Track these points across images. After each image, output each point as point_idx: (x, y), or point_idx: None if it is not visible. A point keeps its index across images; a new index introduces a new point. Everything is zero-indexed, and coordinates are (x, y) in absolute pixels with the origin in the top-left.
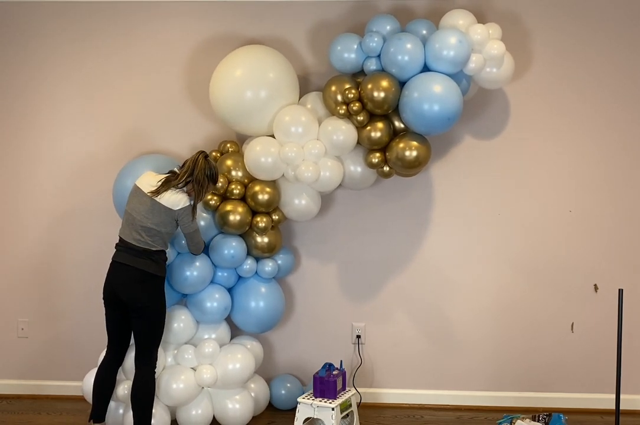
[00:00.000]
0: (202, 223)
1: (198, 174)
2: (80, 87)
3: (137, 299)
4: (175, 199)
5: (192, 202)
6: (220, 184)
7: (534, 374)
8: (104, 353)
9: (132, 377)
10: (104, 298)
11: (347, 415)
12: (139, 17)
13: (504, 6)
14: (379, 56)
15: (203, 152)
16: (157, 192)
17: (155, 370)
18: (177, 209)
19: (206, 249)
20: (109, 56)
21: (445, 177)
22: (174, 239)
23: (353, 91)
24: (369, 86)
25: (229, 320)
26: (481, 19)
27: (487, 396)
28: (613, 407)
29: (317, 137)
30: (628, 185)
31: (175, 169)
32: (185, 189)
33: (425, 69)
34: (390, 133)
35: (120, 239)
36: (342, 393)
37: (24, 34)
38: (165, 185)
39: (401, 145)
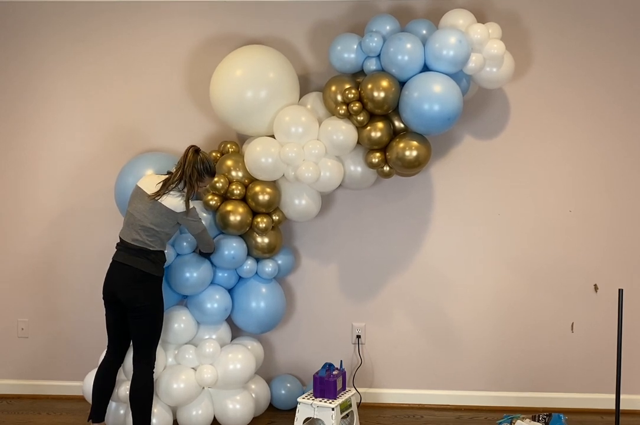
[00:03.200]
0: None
1: (187, 169)
2: (80, 86)
3: (134, 298)
4: (177, 202)
5: (192, 206)
6: (220, 184)
7: (534, 374)
8: (104, 353)
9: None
10: (103, 298)
11: (347, 415)
12: (139, 17)
13: (503, 6)
14: (378, 56)
15: (193, 146)
16: (158, 194)
17: (154, 370)
18: (180, 212)
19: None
20: (109, 56)
21: (445, 177)
22: (173, 241)
23: (353, 91)
24: (369, 86)
25: (229, 320)
26: (481, 18)
27: (487, 396)
28: (613, 407)
29: (317, 137)
30: (628, 185)
31: (173, 169)
32: (185, 189)
33: (425, 68)
34: (390, 133)
35: (120, 239)
36: (342, 393)
37: (24, 33)
38: (164, 187)
39: (401, 145)
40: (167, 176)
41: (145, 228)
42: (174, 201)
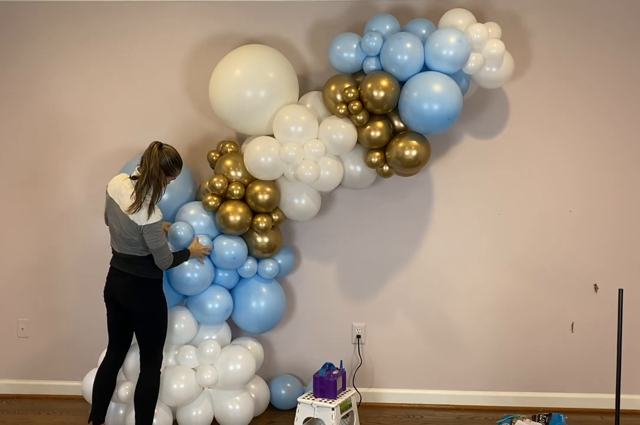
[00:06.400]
0: (202, 224)
1: (153, 169)
2: (80, 87)
3: (136, 304)
4: (140, 214)
5: (158, 220)
6: (219, 185)
7: (534, 374)
8: (104, 353)
9: (132, 378)
10: (105, 299)
11: (347, 415)
12: (139, 16)
13: (503, 5)
14: (378, 56)
15: (157, 142)
16: (139, 206)
17: (160, 370)
18: (141, 225)
19: (173, 266)
20: (109, 56)
21: (445, 176)
22: (174, 241)
23: (353, 90)
24: (369, 85)
25: (229, 320)
26: (480, 18)
27: (487, 396)
28: (613, 407)
29: (317, 137)
30: (628, 185)
31: (136, 170)
32: (151, 192)
33: (425, 68)
34: (389, 132)
35: (112, 248)
36: (342, 393)
37: (24, 34)
38: (139, 196)
39: (401, 144)
40: (134, 181)
41: (125, 239)
42: (139, 213)
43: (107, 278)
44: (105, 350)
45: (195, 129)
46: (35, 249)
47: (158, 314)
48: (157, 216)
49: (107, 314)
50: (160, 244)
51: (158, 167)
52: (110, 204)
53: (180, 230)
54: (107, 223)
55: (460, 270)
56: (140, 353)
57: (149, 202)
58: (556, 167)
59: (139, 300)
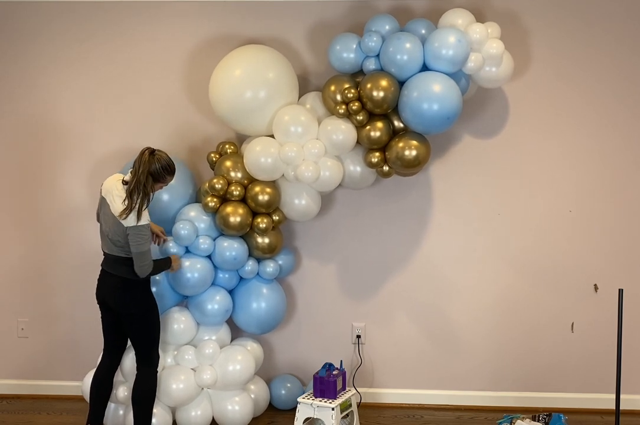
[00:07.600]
0: (202, 225)
1: (141, 175)
2: (80, 87)
3: (124, 306)
4: (129, 218)
5: (143, 222)
6: (219, 186)
7: (534, 374)
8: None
9: (130, 379)
10: (97, 302)
11: (347, 415)
12: (139, 17)
13: (502, 5)
14: (378, 56)
15: (149, 148)
16: (130, 211)
17: (157, 369)
18: (127, 226)
19: (153, 274)
20: (109, 56)
21: (444, 176)
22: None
23: (352, 91)
24: (369, 86)
25: (229, 321)
26: (480, 17)
27: (487, 396)
28: (613, 407)
29: (316, 137)
30: (628, 185)
31: (129, 173)
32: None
33: (425, 68)
34: (389, 132)
35: (102, 249)
36: (342, 393)
37: (24, 34)
38: (131, 200)
39: (401, 144)
40: (126, 185)
41: (111, 240)
42: (128, 217)
43: (98, 280)
44: (102, 353)
45: (194, 129)
46: (35, 249)
47: (147, 316)
48: (144, 220)
49: (101, 317)
50: (143, 248)
51: (146, 173)
52: (103, 203)
53: (184, 229)
54: (98, 220)
55: (460, 270)
56: (136, 354)
57: (137, 207)
58: (556, 167)
59: (126, 302)
